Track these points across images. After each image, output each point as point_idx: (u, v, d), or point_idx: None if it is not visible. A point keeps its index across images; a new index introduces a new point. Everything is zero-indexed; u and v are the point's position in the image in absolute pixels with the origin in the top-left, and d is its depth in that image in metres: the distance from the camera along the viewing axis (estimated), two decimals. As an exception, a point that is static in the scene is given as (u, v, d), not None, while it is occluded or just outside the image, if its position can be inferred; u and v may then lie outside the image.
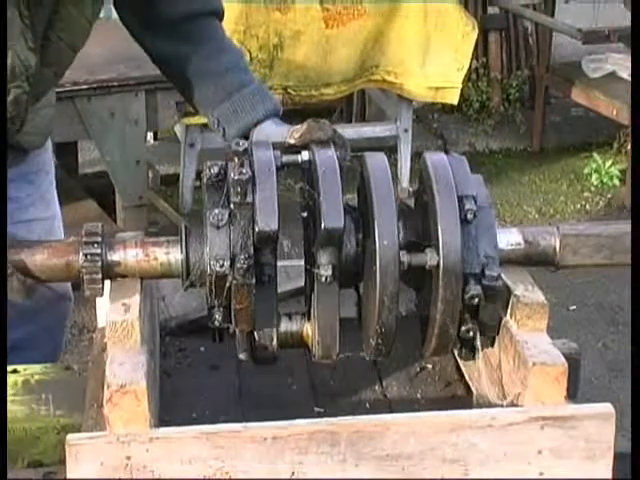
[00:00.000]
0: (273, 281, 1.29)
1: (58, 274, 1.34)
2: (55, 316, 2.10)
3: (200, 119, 4.14)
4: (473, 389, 1.45)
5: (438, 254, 1.25)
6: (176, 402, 1.44)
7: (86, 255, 1.31)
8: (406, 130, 4.58)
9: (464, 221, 1.26)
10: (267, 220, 1.24)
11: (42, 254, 1.34)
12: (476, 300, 1.28)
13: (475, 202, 1.28)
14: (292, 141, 1.45)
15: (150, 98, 3.58)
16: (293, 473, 1.19)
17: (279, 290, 1.31)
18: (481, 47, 5.69)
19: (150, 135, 5.03)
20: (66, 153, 4.20)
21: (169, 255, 1.34)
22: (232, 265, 1.24)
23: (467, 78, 4.97)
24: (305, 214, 1.34)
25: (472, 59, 4.68)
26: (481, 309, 1.29)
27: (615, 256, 1.40)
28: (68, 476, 1.18)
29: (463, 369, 1.50)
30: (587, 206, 4.85)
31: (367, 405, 1.45)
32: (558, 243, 1.39)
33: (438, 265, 1.25)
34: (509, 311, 1.33)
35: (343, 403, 1.45)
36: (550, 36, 5.32)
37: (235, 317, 1.28)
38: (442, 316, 1.27)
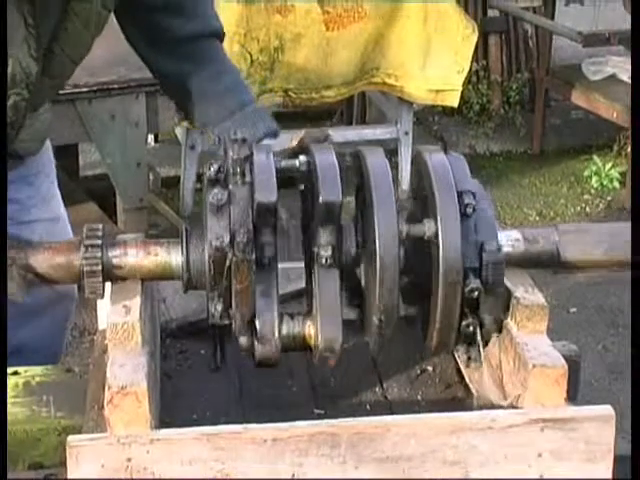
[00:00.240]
0: (274, 262, 1.28)
1: (59, 275, 1.34)
2: (57, 316, 2.10)
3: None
4: (473, 391, 1.45)
5: (438, 248, 1.25)
6: (177, 404, 1.44)
7: (87, 257, 1.32)
8: (406, 132, 4.58)
9: (464, 215, 1.27)
10: (266, 193, 1.25)
11: (43, 255, 1.34)
12: (476, 293, 1.27)
13: (474, 197, 1.29)
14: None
15: (151, 100, 3.58)
16: (293, 475, 1.19)
17: (280, 292, 1.31)
18: (481, 50, 5.69)
19: (151, 137, 5.04)
20: (67, 156, 4.20)
21: (170, 257, 1.35)
22: (232, 241, 1.24)
23: (467, 81, 4.97)
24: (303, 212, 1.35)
25: (472, 62, 4.68)
26: (481, 303, 1.29)
27: (615, 251, 1.40)
28: (69, 477, 1.18)
29: (463, 371, 1.50)
30: (587, 208, 4.86)
31: (367, 407, 1.45)
32: (557, 238, 1.39)
33: (438, 259, 1.25)
34: (509, 313, 1.33)
35: (343, 405, 1.45)
36: (550, 39, 5.32)
37: (236, 299, 1.26)
38: (442, 312, 1.27)
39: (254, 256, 1.25)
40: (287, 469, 1.19)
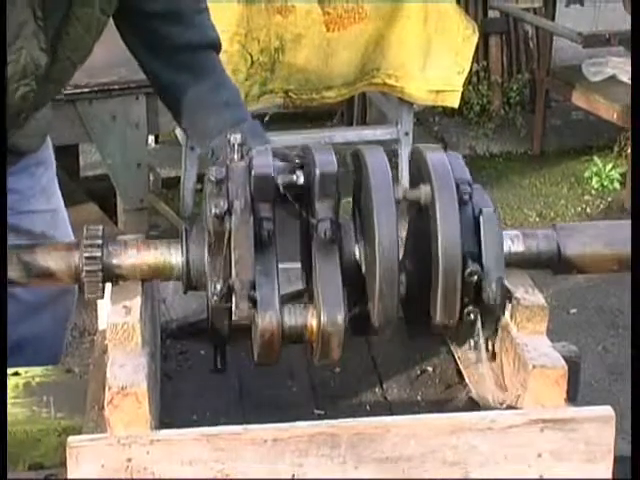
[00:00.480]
0: (273, 237, 1.28)
1: (59, 276, 1.35)
2: (58, 312, 2.11)
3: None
4: (473, 391, 1.45)
5: (437, 238, 1.26)
6: (177, 404, 1.44)
7: (87, 257, 1.32)
8: (407, 133, 4.59)
9: (461, 202, 1.27)
10: (263, 166, 1.29)
11: (42, 256, 1.35)
12: (475, 277, 1.28)
13: (470, 186, 1.29)
14: None
15: (151, 101, 3.58)
16: (293, 475, 1.19)
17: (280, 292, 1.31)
18: (482, 50, 5.70)
19: (151, 138, 5.04)
20: (67, 156, 4.20)
21: (170, 257, 1.35)
22: (230, 209, 1.25)
23: (468, 81, 4.97)
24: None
25: (473, 62, 4.68)
26: (482, 290, 1.30)
27: (615, 245, 1.41)
28: (69, 478, 1.18)
29: (463, 372, 1.50)
30: (587, 209, 4.86)
31: (367, 407, 1.45)
32: (556, 235, 1.40)
33: (437, 251, 1.26)
34: (509, 314, 1.33)
35: (343, 405, 1.45)
36: (550, 40, 5.32)
37: (236, 267, 1.25)
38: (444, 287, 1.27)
39: (252, 219, 1.25)
40: (287, 469, 1.19)
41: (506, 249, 1.34)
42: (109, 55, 3.74)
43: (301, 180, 1.33)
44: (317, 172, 1.30)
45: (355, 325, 1.37)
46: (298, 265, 1.43)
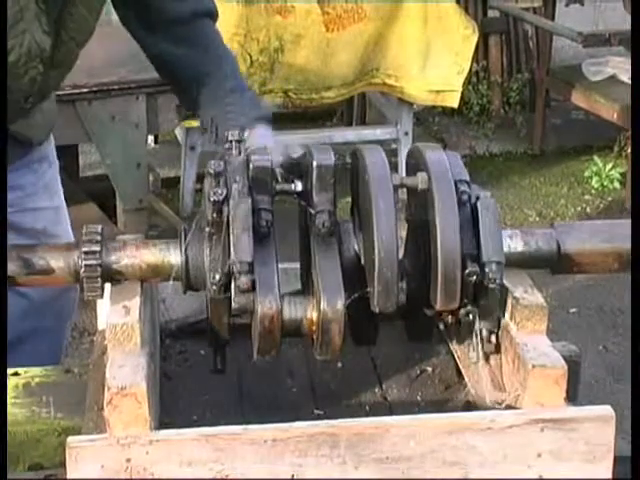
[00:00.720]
0: (272, 228, 1.29)
1: (58, 275, 1.34)
2: (61, 308, 2.12)
3: (201, 122, 4.17)
4: (473, 391, 1.45)
5: (435, 224, 1.26)
6: (176, 404, 1.44)
7: (86, 256, 1.32)
8: (406, 133, 4.59)
9: (460, 203, 1.28)
10: (261, 158, 1.32)
11: (42, 254, 1.34)
12: (474, 278, 1.28)
13: (469, 186, 1.30)
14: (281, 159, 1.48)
15: (151, 101, 3.58)
16: (293, 475, 1.19)
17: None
18: (481, 50, 5.69)
19: (151, 138, 5.04)
20: (67, 156, 4.19)
21: (169, 257, 1.35)
22: (228, 197, 1.25)
23: (467, 81, 4.97)
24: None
25: (472, 62, 4.68)
26: (481, 292, 1.30)
27: (614, 242, 1.40)
28: (68, 478, 1.18)
29: (463, 371, 1.50)
30: (587, 209, 4.86)
31: (367, 407, 1.45)
32: (555, 233, 1.40)
33: (436, 237, 1.26)
34: (508, 313, 1.33)
35: (343, 405, 1.45)
36: (550, 39, 5.32)
37: (234, 249, 1.25)
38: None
39: (250, 201, 1.26)
40: (287, 470, 1.19)
41: (505, 248, 1.34)
42: (109, 55, 3.76)
43: (299, 188, 1.34)
44: (314, 164, 1.30)
45: (356, 330, 1.37)
46: (297, 265, 1.44)
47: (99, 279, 1.32)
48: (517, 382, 1.28)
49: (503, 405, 1.30)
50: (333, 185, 1.32)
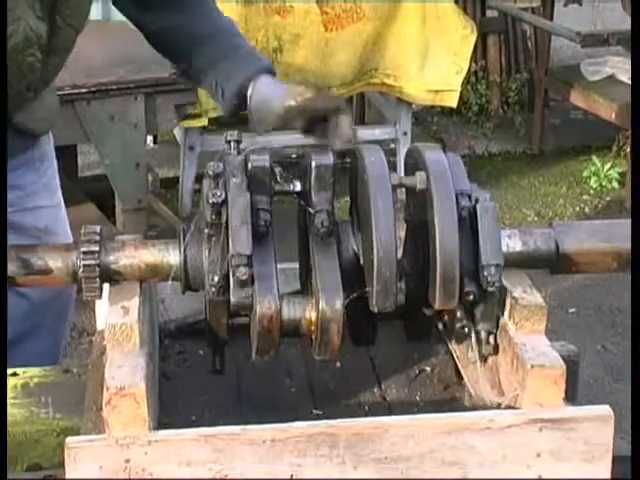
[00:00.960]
0: (270, 227, 1.29)
1: (57, 275, 1.34)
2: (59, 309, 2.12)
3: (200, 122, 4.18)
4: (472, 391, 1.45)
5: (435, 237, 1.26)
6: (175, 405, 1.44)
7: (85, 258, 1.32)
8: (405, 133, 4.59)
9: (460, 218, 1.28)
10: (260, 157, 1.32)
11: (40, 257, 1.34)
12: (471, 297, 1.29)
13: (470, 199, 1.30)
14: (292, 103, 1.47)
15: (149, 101, 3.58)
16: (292, 475, 1.19)
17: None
18: (480, 50, 5.69)
19: (150, 138, 5.04)
20: (65, 156, 4.19)
21: (168, 257, 1.35)
22: (226, 199, 1.25)
23: (466, 81, 4.97)
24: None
25: (471, 62, 4.68)
26: (479, 295, 1.30)
27: (612, 241, 1.40)
28: (67, 479, 1.18)
29: (462, 371, 1.50)
30: (586, 209, 4.86)
31: (366, 407, 1.45)
32: (554, 233, 1.40)
33: (435, 249, 1.26)
34: (507, 313, 1.33)
35: (342, 405, 1.45)
36: (549, 39, 5.32)
37: (233, 242, 1.25)
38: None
39: (248, 196, 1.26)
40: (285, 470, 1.19)
41: (504, 247, 1.34)
42: (107, 55, 3.75)
43: (298, 188, 1.34)
44: (313, 164, 1.30)
45: (355, 330, 1.37)
46: (296, 265, 1.44)
47: (98, 279, 1.32)
48: (516, 382, 1.28)
49: (502, 405, 1.30)
50: (332, 185, 1.32)
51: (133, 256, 1.35)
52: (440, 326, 1.42)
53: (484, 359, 1.38)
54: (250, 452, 1.18)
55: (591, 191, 5.02)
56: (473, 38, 4.44)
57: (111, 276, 1.34)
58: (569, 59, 5.75)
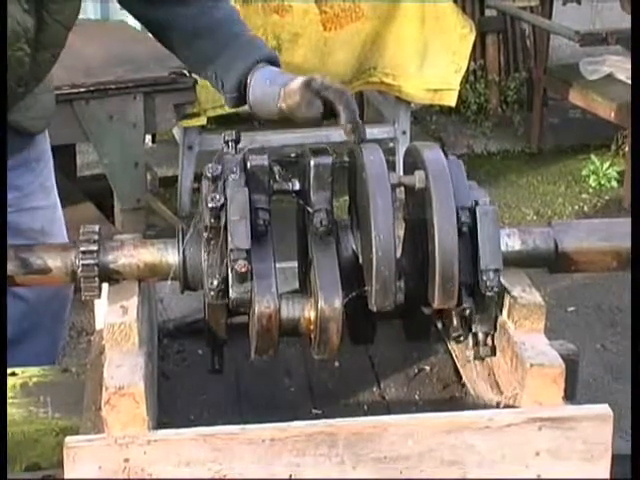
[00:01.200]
0: (269, 226, 1.29)
1: (55, 274, 1.34)
2: (57, 309, 2.12)
3: (198, 121, 4.17)
4: (471, 390, 1.45)
5: (434, 236, 1.26)
6: (174, 404, 1.44)
7: (83, 257, 1.32)
8: (404, 132, 4.59)
9: (460, 232, 1.27)
10: (258, 157, 1.32)
11: (39, 256, 1.34)
12: (467, 312, 1.30)
13: (470, 213, 1.29)
14: (283, 105, 1.47)
15: (148, 101, 3.58)
16: (291, 475, 1.19)
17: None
18: (479, 49, 5.69)
19: (148, 138, 5.03)
20: (64, 156, 4.19)
21: (167, 256, 1.35)
22: (225, 202, 1.25)
23: (465, 80, 4.97)
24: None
25: (470, 61, 4.68)
26: (478, 298, 1.30)
27: (611, 240, 1.40)
28: (66, 479, 1.18)
29: (461, 370, 1.50)
30: (585, 208, 4.86)
31: (365, 407, 1.45)
32: (553, 232, 1.39)
33: (434, 248, 1.26)
34: (506, 312, 1.33)
35: (341, 405, 1.45)
36: (548, 38, 5.32)
37: (232, 237, 1.25)
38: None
39: (247, 191, 1.26)
40: (285, 469, 1.19)
41: (503, 246, 1.34)
42: (106, 54, 3.75)
43: (296, 187, 1.34)
44: (312, 163, 1.30)
45: (354, 329, 1.37)
46: (295, 264, 1.44)
47: (96, 279, 1.32)
48: (515, 381, 1.28)
49: (501, 404, 1.30)
50: (331, 184, 1.32)
51: (132, 255, 1.35)
52: (439, 325, 1.42)
53: (482, 359, 1.38)
54: (249, 451, 1.18)
55: (590, 190, 5.02)
56: (472, 37, 4.44)
57: (110, 275, 1.34)
58: (568, 58, 5.74)
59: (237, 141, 1.34)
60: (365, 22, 4.28)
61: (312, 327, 1.29)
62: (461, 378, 1.49)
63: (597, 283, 4.00)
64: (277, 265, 1.30)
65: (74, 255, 1.33)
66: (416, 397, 1.47)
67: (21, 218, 1.93)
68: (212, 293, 1.27)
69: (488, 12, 5.81)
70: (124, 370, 1.22)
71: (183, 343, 1.60)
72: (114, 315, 1.28)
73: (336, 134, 4.75)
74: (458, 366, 1.51)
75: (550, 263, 1.40)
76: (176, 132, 4.45)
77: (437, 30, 4.38)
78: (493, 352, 1.34)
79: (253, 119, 4.62)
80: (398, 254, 1.34)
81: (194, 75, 3.52)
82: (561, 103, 5.70)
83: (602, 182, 5.01)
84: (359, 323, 1.37)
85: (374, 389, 1.49)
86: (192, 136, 4.28)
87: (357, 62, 4.34)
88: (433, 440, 1.20)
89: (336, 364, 1.53)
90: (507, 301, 1.33)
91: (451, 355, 1.53)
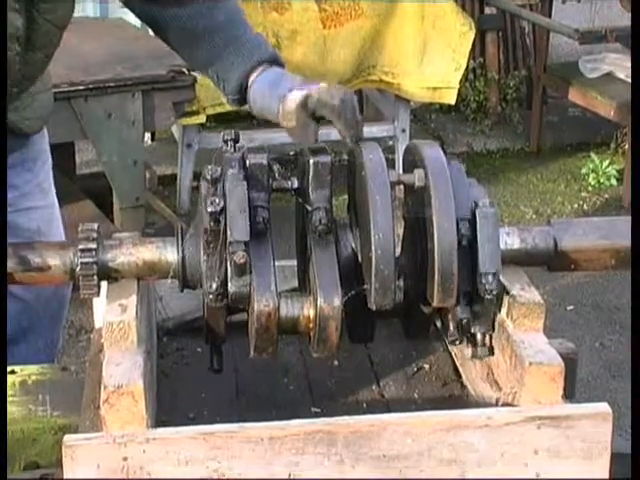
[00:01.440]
0: (268, 224, 1.29)
1: (54, 274, 1.34)
2: (55, 308, 2.12)
3: (197, 119, 4.17)
4: (470, 389, 1.45)
5: (433, 234, 1.26)
6: (173, 402, 1.44)
7: (82, 255, 1.31)
8: (403, 130, 4.58)
9: (459, 244, 1.27)
10: (257, 155, 1.32)
11: (38, 254, 1.34)
12: (465, 322, 1.31)
13: (470, 226, 1.29)
14: (282, 123, 1.46)
15: (147, 99, 3.57)
16: (290, 474, 1.19)
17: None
18: (478, 47, 5.69)
19: (147, 136, 5.03)
20: (63, 154, 4.19)
21: (166, 255, 1.34)
22: (225, 207, 1.25)
23: (464, 78, 4.96)
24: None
25: (469, 59, 4.67)
26: (476, 300, 1.30)
27: (611, 238, 1.40)
28: (65, 478, 1.18)
29: (460, 369, 1.50)
30: (584, 206, 4.85)
31: (364, 405, 1.45)
32: (552, 230, 1.39)
33: (433, 247, 1.26)
34: (505, 310, 1.33)
35: (340, 403, 1.45)
36: (547, 36, 5.32)
37: (230, 230, 1.25)
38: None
39: (245, 184, 1.26)
40: (284, 468, 1.19)
41: (502, 245, 1.34)
42: (104, 52, 3.75)
43: (295, 185, 1.34)
44: (311, 162, 1.30)
45: (353, 327, 1.37)
46: (294, 262, 1.44)
47: (95, 277, 1.32)
48: (514, 379, 1.28)
49: (500, 402, 1.30)
50: (330, 182, 1.32)
51: (131, 254, 1.35)
52: (438, 324, 1.42)
53: (480, 358, 1.38)
54: (248, 450, 1.18)
55: (589, 188, 5.02)
56: (471, 35, 4.43)
57: (109, 274, 1.34)
58: (567, 56, 5.74)
59: (236, 140, 1.34)
60: (364, 20, 4.28)
61: (311, 325, 1.29)
62: (460, 376, 1.49)
63: (596, 281, 4.00)
64: (276, 263, 1.30)
65: (73, 253, 1.33)
66: (415, 395, 1.47)
67: (19, 218, 1.93)
68: (211, 296, 1.27)
69: (488, 10, 5.80)
70: (123, 368, 1.22)
71: (182, 341, 1.60)
72: (113, 313, 1.28)
73: (335, 133, 4.75)
74: (457, 364, 1.51)
75: (549, 261, 1.40)
76: (175, 130, 4.45)
77: (437, 28, 4.37)
78: (491, 352, 1.34)
79: (252, 117, 4.61)
80: (397, 253, 1.34)
81: (193, 73, 3.53)
82: (561, 101, 5.69)
83: (601, 180, 5.01)
84: (358, 321, 1.37)
85: (373, 387, 1.49)
86: (191, 134, 4.28)
87: (356, 60, 4.34)
88: (432, 438, 1.20)
89: (335, 363, 1.53)
90: (506, 300, 1.32)
91: (450, 353, 1.53)
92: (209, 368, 1.39)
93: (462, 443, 1.20)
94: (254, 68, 1.64)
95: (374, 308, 1.27)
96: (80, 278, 1.32)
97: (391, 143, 4.60)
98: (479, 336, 1.33)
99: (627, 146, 5.01)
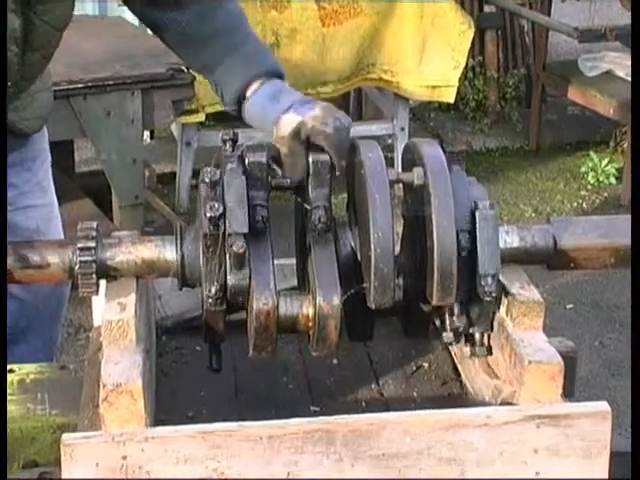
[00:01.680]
0: (267, 223, 1.29)
1: (53, 273, 1.34)
2: (53, 307, 2.12)
3: (197, 117, 4.17)
4: (469, 387, 1.45)
5: (432, 233, 1.26)
6: (172, 401, 1.44)
7: (81, 254, 1.31)
8: (403, 129, 4.58)
9: (458, 253, 1.27)
10: (256, 153, 1.32)
11: (38, 252, 1.34)
12: (461, 329, 1.31)
13: (470, 236, 1.29)
14: (281, 150, 1.44)
15: (146, 97, 3.57)
16: (289, 473, 1.19)
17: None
18: (477, 45, 5.69)
19: (146, 134, 5.03)
20: (62, 152, 4.18)
21: (165, 253, 1.34)
22: (225, 212, 1.24)
23: (463, 77, 4.96)
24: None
25: (468, 57, 4.67)
26: (475, 301, 1.30)
27: (610, 237, 1.40)
28: (63, 476, 1.17)
29: (459, 367, 1.50)
30: (584, 204, 4.85)
31: (363, 404, 1.45)
32: (551, 228, 1.39)
33: (433, 245, 1.26)
34: (505, 309, 1.33)
35: (339, 402, 1.45)
36: (546, 35, 5.32)
37: (229, 222, 1.24)
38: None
39: (244, 178, 1.26)
40: (283, 467, 1.19)
41: (501, 243, 1.34)
42: (104, 50, 3.74)
43: (294, 183, 1.34)
44: (310, 160, 1.30)
45: (352, 326, 1.37)
46: (293, 261, 1.44)
47: (94, 275, 1.32)
48: (513, 378, 1.28)
49: (499, 401, 1.30)
50: (329, 181, 1.32)
51: (130, 252, 1.35)
52: (437, 322, 1.42)
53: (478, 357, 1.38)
54: (247, 449, 1.18)
55: (589, 187, 5.02)
56: (471, 33, 4.43)
57: (108, 272, 1.34)
58: (566, 54, 5.74)
59: (235, 140, 1.34)
60: (364, 18, 4.28)
61: (310, 324, 1.29)
62: (459, 375, 1.49)
63: (596, 280, 4.00)
64: (275, 262, 1.30)
65: (72, 251, 1.33)
66: (414, 394, 1.47)
67: (18, 217, 1.93)
68: (210, 300, 1.27)
69: (487, 8, 5.80)
70: (122, 367, 1.22)
71: (181, 340, 1.60)
72: (112, 312, 1.28)
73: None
74: (456, 363, 1.51)
75: (549, 260, 1.40)
76: (174, 128, 4.45)
77: (436, 26, 4.37)
78: (489, 352, 1.34)
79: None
80: (397, 251, 1.34)
81: (192, 72, 3.53)
82: (560, 100, 5.70)
83: (601, 179, 5.01)
84: (357, 320, 1.37)
85: (372, 386, 1.49)
86: (190, 132, 4.28)
87: (355, 58, 4.34)
88: (431, 437, 1.20)
89: (334, 361, 1.53)
90: (505, 298, 1.32)
91: (449, 352, 1.53)
92: (208, 367, 1.39)
93: (461, 442, 1.20)
94: (252, 81, 1.62)
95: (373, 307, 1.27)
96: (79, 276, 1.32)
97: (390, 141, 4.60)
98: (477, 336, 1.33)
99: (626, 145, 5.01)
